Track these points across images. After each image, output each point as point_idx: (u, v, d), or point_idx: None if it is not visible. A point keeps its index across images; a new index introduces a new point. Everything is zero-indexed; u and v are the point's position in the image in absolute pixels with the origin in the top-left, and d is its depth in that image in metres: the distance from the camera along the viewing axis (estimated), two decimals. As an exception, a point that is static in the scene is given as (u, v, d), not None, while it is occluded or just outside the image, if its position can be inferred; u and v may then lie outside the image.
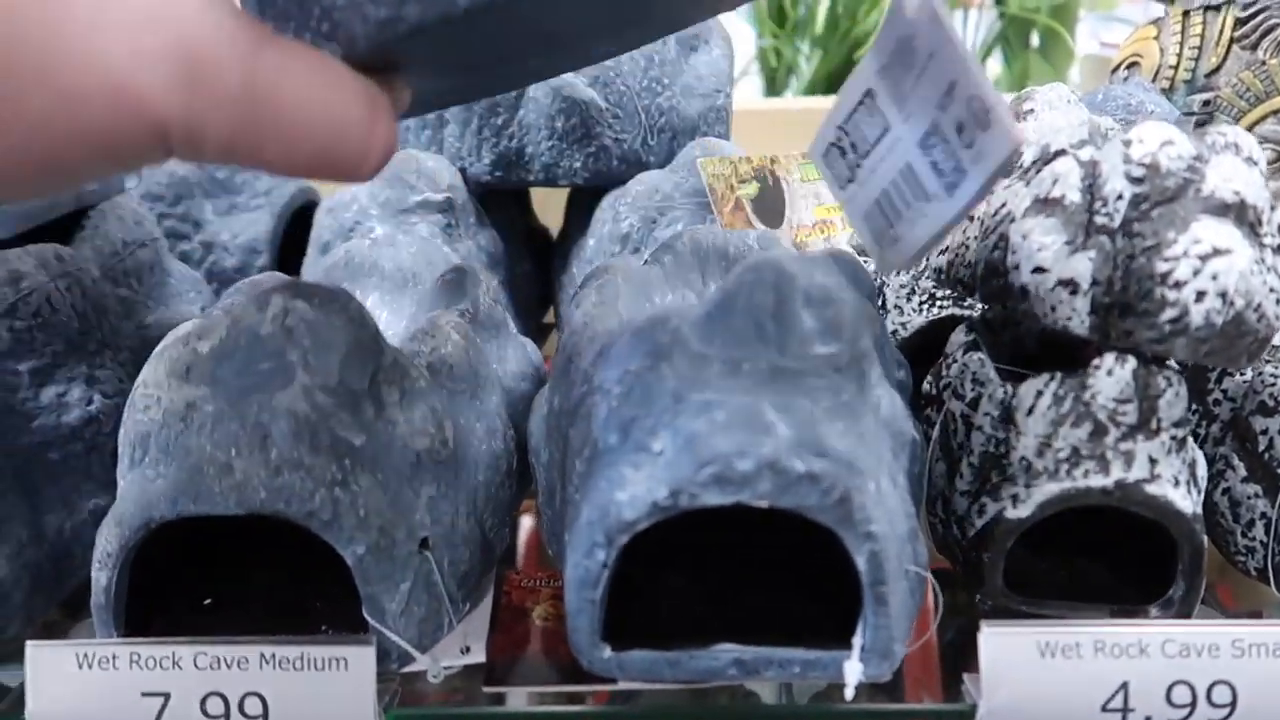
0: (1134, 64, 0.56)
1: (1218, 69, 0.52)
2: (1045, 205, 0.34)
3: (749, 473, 0.27)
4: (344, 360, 0.30)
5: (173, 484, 0.29)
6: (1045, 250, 0.33)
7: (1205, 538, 0.32)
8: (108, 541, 0.29)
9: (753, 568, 0.33)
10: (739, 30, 1.12)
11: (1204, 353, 0.31)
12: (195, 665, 0.29)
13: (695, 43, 0.56)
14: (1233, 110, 0.52)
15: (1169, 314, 0.30)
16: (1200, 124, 0.53)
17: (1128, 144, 0.32)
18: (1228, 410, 0.37)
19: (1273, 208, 0.31)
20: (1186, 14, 0.54)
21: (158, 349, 0.31)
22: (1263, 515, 0.34)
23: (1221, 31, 0.52)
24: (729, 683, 0.30)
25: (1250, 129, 0.51)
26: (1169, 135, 0.31)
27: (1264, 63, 0.51)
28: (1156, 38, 0.55)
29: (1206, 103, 0.53)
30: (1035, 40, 1.06)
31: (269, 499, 0.29)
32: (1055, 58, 1.01)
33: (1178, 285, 0.30)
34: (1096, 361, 0.32)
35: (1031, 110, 0.40)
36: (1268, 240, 0.31)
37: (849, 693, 0.28)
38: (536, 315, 0.59)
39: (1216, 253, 0.30)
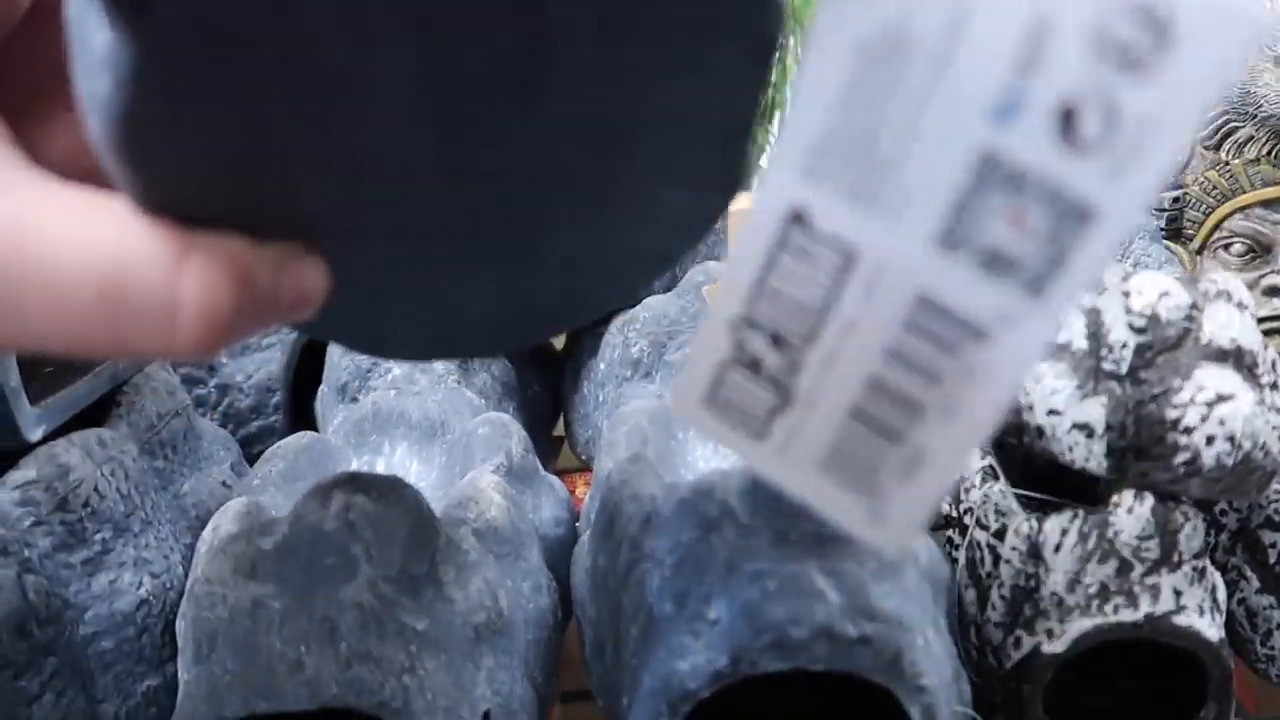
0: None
1: (1184, 168, 0.55)
2: (1054, 350, 0.36)
3: (805, 639, 0.29)
4: (405, 548, 0.31)
5: (243, 681, 0.30)
6: (1058, 394, 0.35)
7: (1230, 663, 0.33)
8: (177, 742, 0.30)
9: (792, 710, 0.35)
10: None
11: (1217, 490, 0.32)
12: None
13: None
14: (1201, 205, 0.55)
15: (1182, 457, 0.32)
16: (1172, 219, 0.56)
17: (1127, 295, 0.34)
18: (1234, 521, 0.38)
19: (1265, 348, 0.34)
20: (1151, 117, 0.56)
21: (217, 543, 0.32)
22: (1279, 626, 0.36)
23: (1186, 134, 0.55)
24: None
25: (1219, 224, 0.54)
26: (1166, 286, 0.34)
27: (1227, 163, 0.54)
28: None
29: (1176, 199, 0.56)
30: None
31: (341, 693, 0.30)
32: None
33: (1188, 431, 0.32)
34: (1116, 499, 0.34)
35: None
36: (1265, 380, 0.33)
37: None
38: (547, 430, 0.60)
39: (1221, 399, 0.32)
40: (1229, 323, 0.33)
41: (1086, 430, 0.34)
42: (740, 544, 0.30)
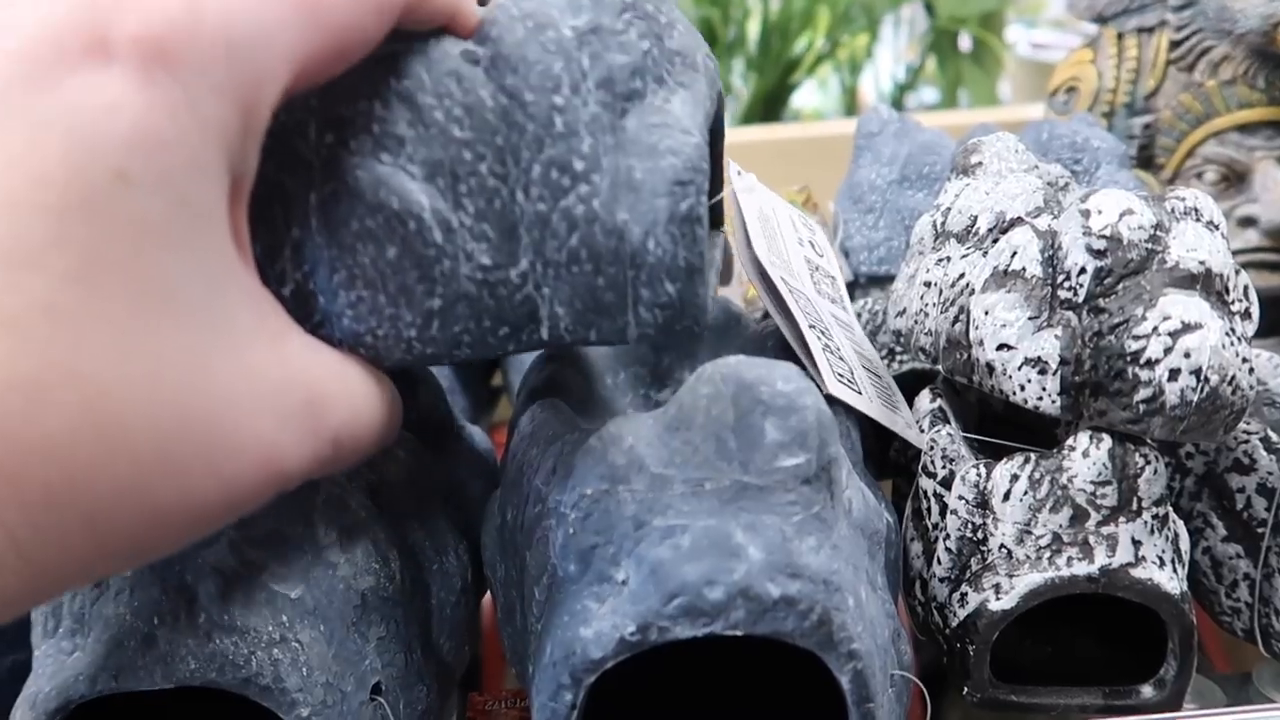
0: (1073, 88, 0.55)
1: (1156, 92, 0.52)
2: (1005, 278, 0.32)
3: (720, 601, 0.26)
4: (275, 506, 0.27)
5: (92, 659, 0.27)
6: (1009, 327, 0.31)
7: (1194, 616, 0.31)
8: (23, 725, 0.27)
9: (732, 684, 0.32)
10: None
11: (1181, 430, 0.29)
12: None
13: (634, 85, 0.30)
14: (1174, 132, 0.52)
15: (1143, 394, 0.29)
16: (1143, 147, 0.53)
17: (1086, 214, 0.31)
18: (1201, 464, 0.36)
19: (1237, 272, 0.30)
20: (1120, 36, 0.53)
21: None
22: (1246, 576, 0.33)
23: (1157, 54, 0.52)
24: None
25: (1192, 150, 0.51)
26: (1128, 204, 0.30)
27: (1201, 84, 0.50)
28: (1093, 61, 0.54)
29: (1147, 126, 0.52)
30: (967, 44, 1.06)
31: (200, 669, 0.26)
32: (986, 63, 1.01)
33: (1150, 364, 0.29)
34: (1071, 442, 0.30)
35: (980, 163, 0.39)
36: (1235, 308, 0.30)
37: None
38: (485, 381, 0.57)
39: (1187, 328, 0.29)
40: (1197, 244, 0.30)
41: (1039, 366, 0.31)
42: (650, 497, 0.27)
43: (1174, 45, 0.51)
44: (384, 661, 0.30)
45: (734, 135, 0.87)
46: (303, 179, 0.26)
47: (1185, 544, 0.31)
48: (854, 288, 0.51)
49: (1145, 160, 0.53)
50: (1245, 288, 0.31)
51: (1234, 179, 0.50)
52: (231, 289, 0.22)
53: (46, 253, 0.18)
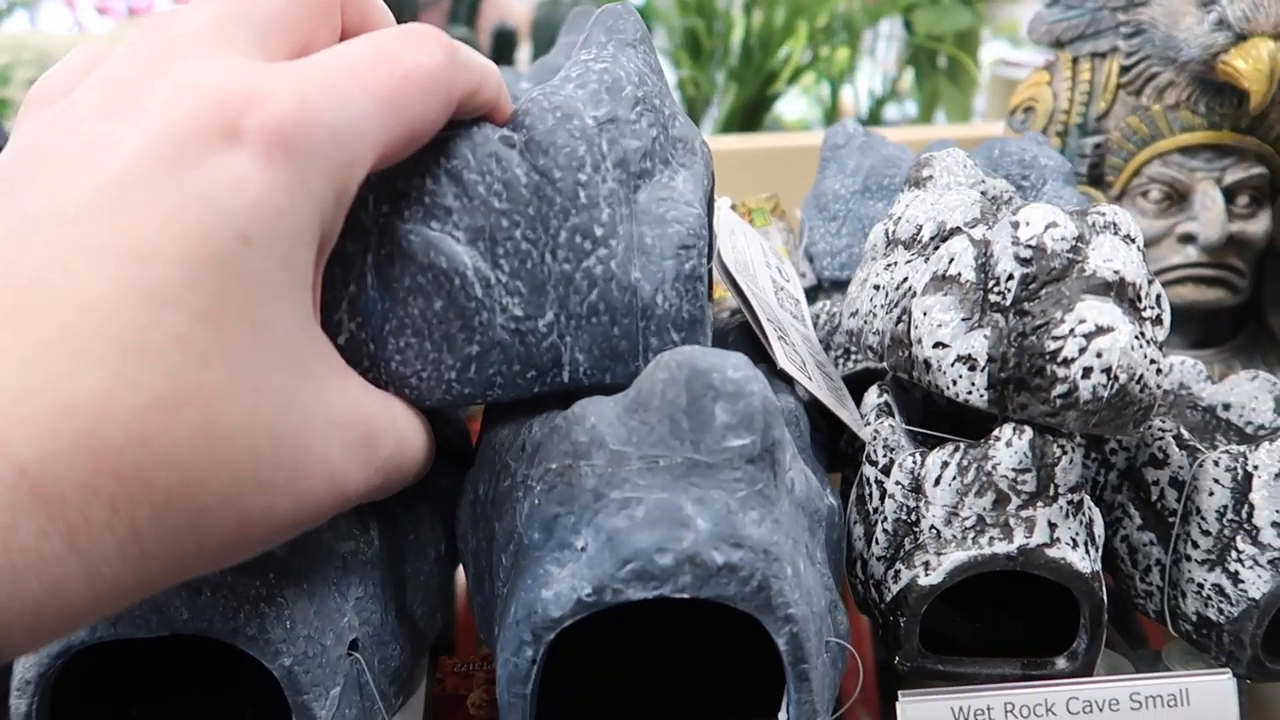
0: (1030, 108, 0.58)
1: (1106, 114, 0.55)
2: (943, 282, 0.35)
3: (669, 567, 0.28)
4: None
5: None
6: (944, 327, 0.34)
7: (1104, 594, 0.33)
8: (25, 669, 0.29)
9: (683, 648, 0.34)
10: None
11: (1093, 424, 0.32)
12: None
13: (644, 165, 0.33)
14: (1122, 152, 0.55)
15: (1059, 389, 0.32)
16: (1094, 166, 0.56)
17: (1016, 226, 0.33)
18: (1123, 460, 0.38)
19: (1150, 281, 0.33)
20: (1075, 60, 0.56)
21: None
22: (1158, 562, 0.36)
23: (1108, 78, 0.55)
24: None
25: (1138, 170, 0.54)
26: (1053, 218, 0.33)
27: (1148, 108, 0.53)
28: (1049, 83, 0.57)
29: (1097, 145, 0.55)
30: (944, 62, 1.09)
31: (192, 619, 0.29)
32: (961, 81, 1.04)
33: (1066, 363, 0.32)
34: (996, 433, 0.33)
35: (930, 176, 0.42)
36: (1147, 314, 0.33)
37: (776, 768, 0.30)
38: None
39: (1100, 331, 0.31)
40: (1114, 255, 0.33)
41: (969, 363, 0.34)
42: (609, 471, 0.30)
43: (1124, 70, 0.54)
44: (361, 620, 0.32)
45: (714, 143, 0.90)
46: (361, 243, 0.30)
47: (1099, 528, 0.34)
48: (818, 291, 0.54)
49: (1095, 178, 0.56)
50: (1158, 296, 0.34)
51: (1176, 198, 0.53)
52: (315, 335, 0.26)
53: (183, 295, 0.21)
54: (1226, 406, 0.40)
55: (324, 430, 0.25)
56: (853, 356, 0.47)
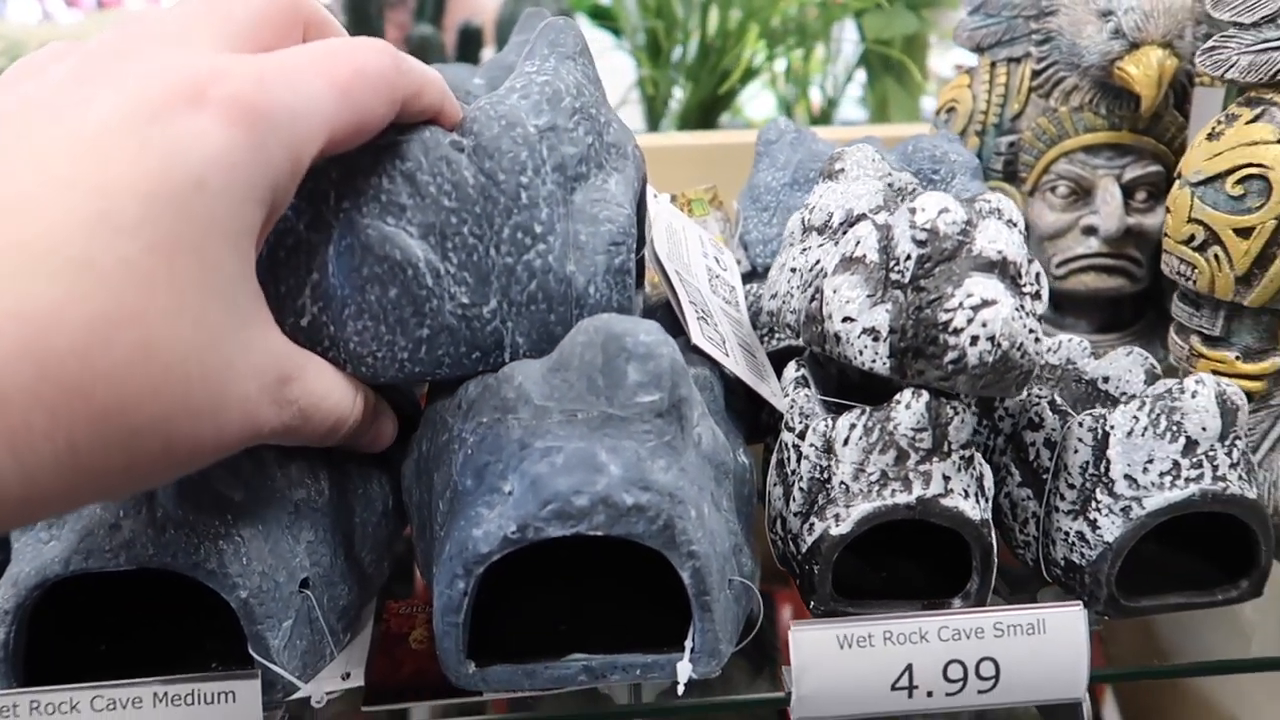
0: (952, 108, 0.62)
1: (1020, 114, 0.59)
2: (851, 263, 0.39)
3: (585, 507, 0.32)
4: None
5: (65, 545, 0.32)
6: (852, 303, 0.38)
7: (994, 538, 0.37)
8: (4, 600, 0.32)
9: (603, 585, 0.38)
10: (620, 62, 1.17)
11: (980, 386, 0.36)
12: (92, 708, 0.32)
13: (580, 169, 0.37)
14: (1033, 150, 0.59)
15: (951, 356, 0.36)
16: (1008, 163, 0.60)
17: (913, 212, 0.37)
18: (1009, 425, 0.42)
19: (1030, 261, 0.37)
20: (993, 65, 0.60)
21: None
22: (1033, 514, 0.40)
23: (1022, 82, 0.59)
24: (580, 687, 0.34)
25: (1047, 167, 0.58)
26: (945, 204, 0.37)
27: (1056, 110, 0.57)
28: (969, 85, 0.61)
29: (1012, 144, 0.59)
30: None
31: (157, 554, 0.32)
32: (907, 84, 1.09)
33: (956, 332, 0.35)
34: (897, 398, 0.37)
35: (842, 169, 0.45)
36: (1027, 289, 0.37)
37: (680, 688, 0.33)
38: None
39: (985, 304, 0.35)
40: (997, 237, 0.36)
41: (873, 334, 0.37)
42: (533, 424, 0.33)
43: (1035, 75, 0.58)
44: (311, 561, 0.35)
45: (671, 139, 0.93)
46: (324, 235, 0.34)
47: (989, 482, 0.38)
48: (753, 276, 0.57)
49: (1010, 174, 0.60)
50: (1037, 274, 0.37)
51: (1080, 193, 0.57)
52: (251, 284, 0.28)
53: (138, 226, 0.24)
54: (1106, 379, 0.44)
55: (245, 369, 0.27)
56: (776, 335, 0.50)
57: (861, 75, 1.17)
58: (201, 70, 0.26)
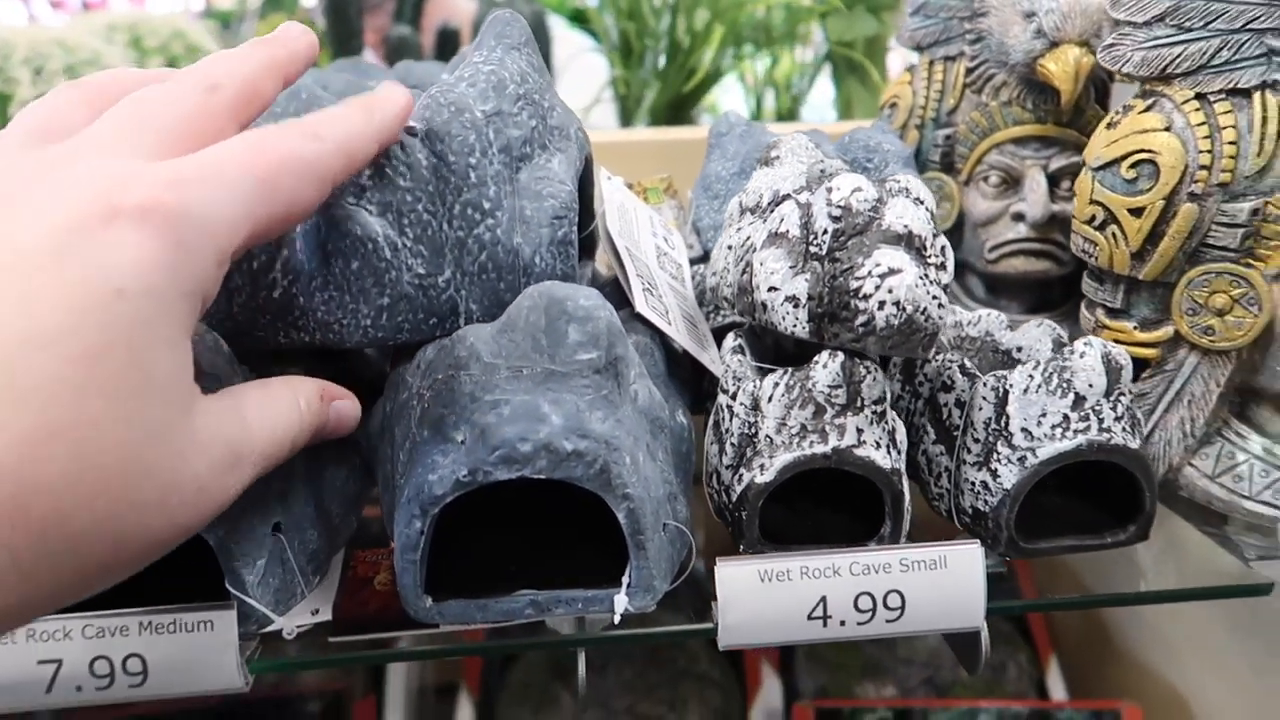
0: (894, 104, 0.66)
1: (955, 109, 0.63)
2: (776, 238, 0.42)
3: (529, 453, 0.35)
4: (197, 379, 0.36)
5: None
6: (776, 274, 0.42)
7: (905, 487, 0.41)
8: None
9: (551, 529, 0.41)
10: (597, 62, 1.21)
11: (889, 347, 0.40)
12: (84, 635, 0.36)
13: (525, 150, 0.42)
14: (967, 143, 0.63)
15: (861, 319, 0.39)
16: (945, 155, 0.64)
17: (830, 191, 0.41)
18: (927, 389, 0.46)
19: (936, 235, 0.41)
20: (931, 63, 0.64)
21: None
22: (946, 469, 0.44)
23: (957, 78, 0.63)
24: (527, 620, 0.38)
25: (980, 158, 0.62)
26: (858, 184, 0.41)
27: (987, 104, 0.61)
28: (910, 82, 0.65)
29: (948, 137, 0.63)
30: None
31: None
32: (868, 83, 1.13)
33: (865, 298, 0.39)
34: (816, 358, 0.41)
35: (777, 156, 0.49)
36: (931, 260, 0.40)
37: (616, 618, 0.37)
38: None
39: (891, 272, 0.39)
40: (904, 213, 0.40)
41: (794, 301, 0.41)
42: (483, 379, 0.37)
43: (969, 72, 0.62)
44: (282, 508, 0.39)
45: (641, 134, 0.97)
46: None
47: (901, 435, 0.42)
48: (704, 259, 0.61)
49: (947, 165, 0.64)
50: (942, 247, 0.41)
51: (1010, 182, 0.61)
52: (187, 374, 0.29)
53: (61, 339, 0.25)
54: (1019, 349, 0.48)
55: (194, 454, 0.28)
56: (721, 311, 0.54)
57: (832, 75, 1.21)
58: (117, 179, 0.27)
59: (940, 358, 0.45)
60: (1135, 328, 0.47)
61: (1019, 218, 0.61)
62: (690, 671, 0.75)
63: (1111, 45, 0.47)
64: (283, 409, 0.34)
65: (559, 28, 1.49)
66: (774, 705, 0.77)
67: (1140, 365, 0.47)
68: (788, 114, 1.19)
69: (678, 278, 0.52)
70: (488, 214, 0.40)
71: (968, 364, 0.44)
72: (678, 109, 1.09)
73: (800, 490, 0.42)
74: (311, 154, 0.32)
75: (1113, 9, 0.47)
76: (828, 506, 0.45)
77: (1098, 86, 0.61)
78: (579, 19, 1.37)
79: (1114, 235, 0.46)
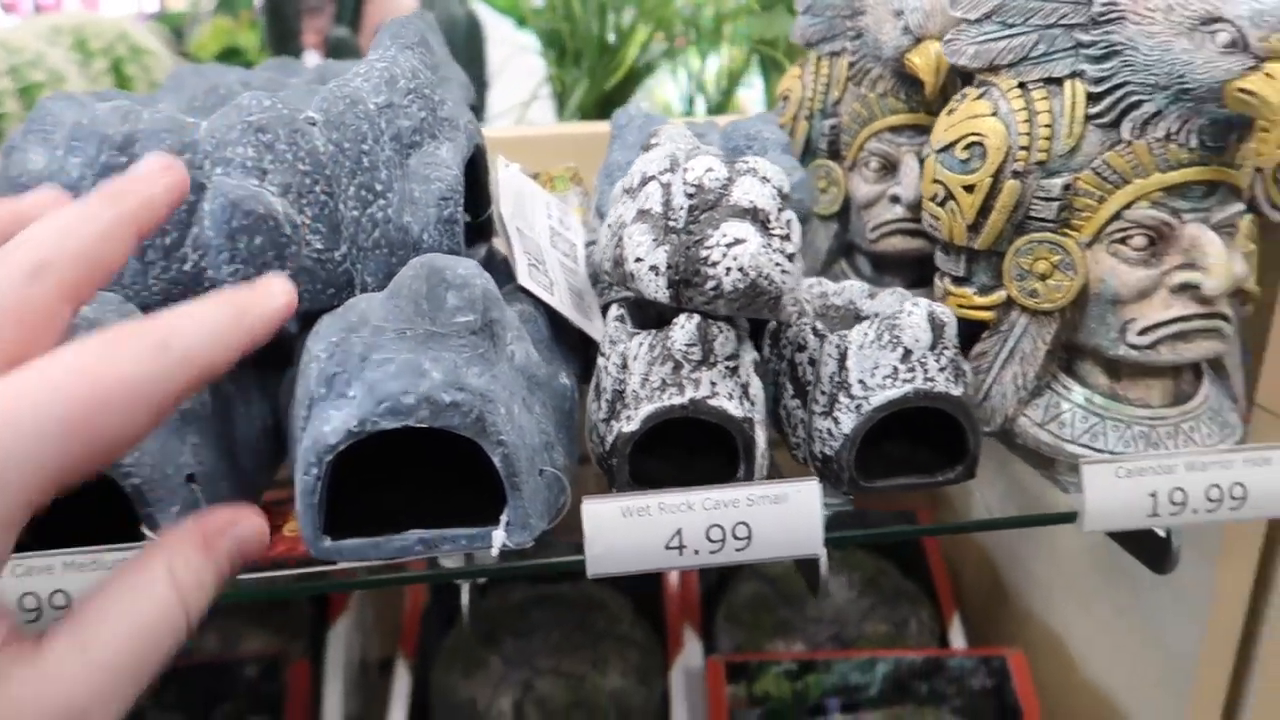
0: (787, 96, 0.71)
1: (839, 101, 0.68)
2: (642, 215, 0.47)
3: (412, 404, 0.40)
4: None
5: None
6: (641, 245, 0.47)
7: (758, 434, 0.46)
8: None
9: (444, 476, 0.46)
10: (533, 61, 1.26)
11: (737, 308, 0.45)
12: (13, 574, 0.40)
13: (415, 139, 0.47)
14: (850, 131, 0.68)
15: (710, 284, 0.44)
16: (831, 143, 0.69)
17: (686, 170, 0.46)
18: (789, 351, 0.51)
19: (781, 210, 0.46)
20: (819, 59, 0.69)
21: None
22: (801, 421, 0.49)
23: (841, 72, 0.68)
24: (417, 557, 0.42)
25: (862, 145, 0.67)
26: (711, 164, 0.46)
27: (866, 96, 0.67)
28: (800, 77, 0.70)
29: (833, 126, 0.68)
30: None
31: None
32: (792, 80, 1.18)
33: (714, 265, 0.44)
34: (675, 320, 0.46)
35: (656, 143, 0.54)
36: (776, 232, 0.45)
37: (494, 552, 0.41)
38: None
39: (737, 242, 0.44)
40: (751, 190, 0.45)
41: (656, 270, 0.46)
42: (372, 341, 0.41)
43: (851, 66, 0.67)
44: (196, 460, 0.43)
45: (573, 129, 1.02)
46: (200, 195, 0.43)
47: (755, 389, 0.47)
48: (607, 243, 0.66)
49: (834, 153, 0.69)
50: (788, 221, 0.46)
51: (889, 167, 0.66)
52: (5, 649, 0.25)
53: None
54: (877, 314, 0.53)
55: (29, 715, 0.25)
56: (615, 288, 0.59)
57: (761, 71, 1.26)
58: None
59: (800, 322, 0.50)
60: (975, 293, 0.52)
61: (895, 199, 0.66)
62: (612, 633, 0.80)
63: (950, 40, 0.52)
64: (144, 609, 0.27)
65: (507, 29, 1.54)
66: (694, 664, 0.82)
67: (981, 327, 0.52)
68: (718, 109, 1.24)
69: (570, 255, 0.57)
70: (379, 195, 0.44)
71: (819, 326, 0.49)
72: (606, 104, 1.14)
73: (674, 444, 0.47)
74: (150, 374, 0.26)
75: (952, 8, 0.52)
76: (700, 458, 0.50)
77: (963, 77, 0.66)
78: (522, 19, 1.41)
79: (953, 210, 0.51)
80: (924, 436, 0.49)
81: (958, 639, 0.86)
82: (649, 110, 0.69)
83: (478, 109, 1.20)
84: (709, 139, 0.62)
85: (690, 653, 0.83)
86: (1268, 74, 0.42)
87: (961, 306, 0.52)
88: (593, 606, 0.82)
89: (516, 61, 1.44)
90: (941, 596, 0.88)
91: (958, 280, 0.53)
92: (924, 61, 0.61)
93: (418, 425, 0.40)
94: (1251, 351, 0.56)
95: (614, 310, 0.53)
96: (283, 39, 1.08)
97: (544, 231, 0.56)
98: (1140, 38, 0.46)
